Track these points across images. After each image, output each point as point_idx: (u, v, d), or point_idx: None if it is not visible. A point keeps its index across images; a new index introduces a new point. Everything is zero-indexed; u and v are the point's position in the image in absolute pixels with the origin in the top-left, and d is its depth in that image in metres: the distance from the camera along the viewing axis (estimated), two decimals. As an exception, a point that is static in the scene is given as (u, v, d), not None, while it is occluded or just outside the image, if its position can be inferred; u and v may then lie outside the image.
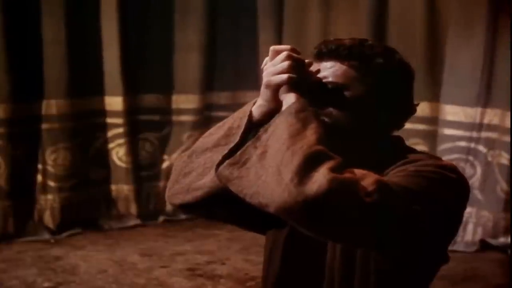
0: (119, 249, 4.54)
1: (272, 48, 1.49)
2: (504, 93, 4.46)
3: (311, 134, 1.37)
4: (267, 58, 1.50)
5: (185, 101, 5.19)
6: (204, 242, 4.68)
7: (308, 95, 1.46)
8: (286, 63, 1.46)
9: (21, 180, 4.76)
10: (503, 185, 4.54)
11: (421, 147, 4.57)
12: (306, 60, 1.51)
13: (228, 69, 5.24)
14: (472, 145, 4.62)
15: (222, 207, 1.57)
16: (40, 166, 4.82)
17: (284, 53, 1.47)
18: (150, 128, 5.20)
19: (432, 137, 4.75)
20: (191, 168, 1.57)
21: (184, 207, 1.61)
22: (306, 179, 1.30)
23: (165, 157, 5.23)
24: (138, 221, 5.08)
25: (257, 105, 1.52)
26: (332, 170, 1.31)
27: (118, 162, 5.07)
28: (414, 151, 1.60)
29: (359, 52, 1.53)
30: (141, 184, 5.14)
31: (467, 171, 4.55)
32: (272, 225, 1.62)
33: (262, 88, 1.50)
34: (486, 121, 4.57)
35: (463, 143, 4.64)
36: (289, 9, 5.08)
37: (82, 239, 4.74)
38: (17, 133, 4.70)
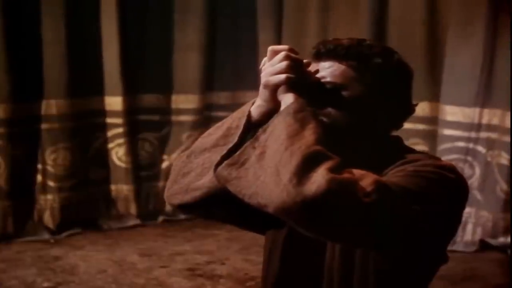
0: (118, 249, 4.54)
1: (270, 48, 1.49)
2: (504, 93, 4.46)
3: (309, 135, 1.37)
4: (265, 59, 1.50)
5: (185, 101, 5.19)
6: (203, 242, 4.68)
7: (306, 95, 1.46)
8: (284, 63, 1.46)
9: (21, 180, 4.76)
10: (502, 185, 4.54)
11: (420, 147, 4.57)
12: (305, 60, 1.51)
13: (228, 69, 5.24)
14: (471, 145, 4.62)
15: (220, 207, 1.57)
16: (40, 166, 4.83)
17: (282, 53, 1.47)
18: (150, 128, 5.20)
19: (432, 137, 4.75)
20: (189, 168, 1.57)
21: (183, 207, 1.61)
22: (304, 179, 1.31)
23: (165, 157, 5.23)
24: (137, 221, 5.08)
25: (256, 105, 1.52)
26: (331, 170, 1.31)
27: (118, 162, 5.07)
28: (413, 151, 1.60)
29: (358, 52, 1.53)
30: (141, 184, 5.14)
31: (466, 171, 4.55)
32: (271, 225, 1.62)
33: (261, 88, 1.50)
34: (485, 121, 4.57)
35: (461, 144, 4.63)
36: (289, 9, 5.08)
37: (82, 239, 4.74)
38: (17, 133, 4.70)
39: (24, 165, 4.76)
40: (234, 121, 1.53)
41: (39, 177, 4.84)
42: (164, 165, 5.21)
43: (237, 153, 1.42)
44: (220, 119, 1.63)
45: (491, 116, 4.56)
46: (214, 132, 1.57)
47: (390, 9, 4.75)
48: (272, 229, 1.65)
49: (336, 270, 1.54)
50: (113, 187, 5.09)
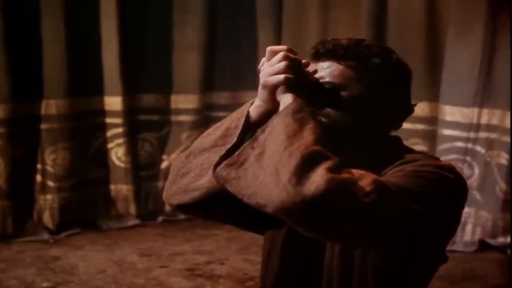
0: (118, 249, 4.54)
1: (269, 48, 1.49)
2: (503, 93, 4.46)
3: (308, 135, 1.37)
4: (264, 59, 1.50)
5: (184, 101, 5.19)
6: (203, 242, 4.68)
7: (305, 95, 1.46)
8: (283, 64, 1.46)
9: (21, 180, 4.76)
10: (502, 185, 4.54)
11: (420, 147, 4.57)
12: (303, 61, 1.51)
13: (227, 69, 5.24)
14: (470, 145, 4.62)
15: (219, 207, 1.57)
16: (39, 166, 4.83)
17: (281, 54, 1.47)
18: (149, 128, 5.20)
19: (431, 137, 4.75)
20: (188, 169, 1.57)
21: (181, 208, 1.61)
22: (303, 179, 1.31)
23: (164, 157, 5.23)
24: (137, 221, 5.08)
25: (255, 106, 1.52)
26: (330, 170, 1.31)
27: (117, 162, 5.07)
28: (412, 151, 1.60)
29: (356, 52, 1.53)
30: (140, 184, 5.14)
31: (465, 171, 4.55)
32: (270, 225, 1.62)
33: (260, 89, 1.50)
34: (484, 121, 4.57)
35: (460, 144, 4.63)
36: (288, 9, 5.08)
37: (81, 239, 4.73)
38: (17, 133, 4.70)
39: (23, 165, 4.76)
40: (233, 121, 1.53)
41: (38, 177, 4.84)
42: (164, 165, 5.21)
43: (236, 153, 1.42)
44: (219, 119, 1.63)
45: (490, 116, 4.56)
46: (213, 133, 1.57)
47: (389, 8, 4.75)
48: (271, 229, 1.65)
49: (335, 270, 1.54)
50: (112, 187, 5.09)
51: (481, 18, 4.49)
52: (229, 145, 1.49)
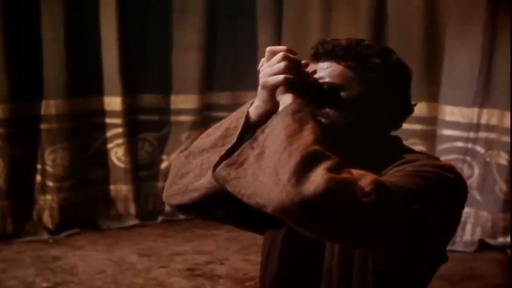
0: (117, 249, 4.54)
1: (268, 49, 1.49)
2: (502, 93, 4.46)
3: (308, 135, 1.37)
4: (263, 59, 1.50)
5: (184, 101, 5.19)
6: (202, 242, 4.68)
7: (305, 95, 1.46)
8: (282, 64, 1.46)
9: (20, 180, 4.76)
10: (501, 185, 4.54)
11: (419, 147, 4.57)
12: (303, 61, 1.51)
13: (227, 69, 5.24)
14: (470, 145, 4.62)
15: (219, 207, 1.57)
16: (39, 166, 4.82)
17: (281, 54, 1.47)
18: (149, 128, 5.19)
19: (430, 137, 4.75)
20: (188, 169, 1.57)
21: (181, 208, 1.61)
22: (303, 179, 1.31)
23: (164, 157, 5.22)
24: (137, 221, 5.07)
25: (254, 106, 1.52)
26: (330, 170, 1.31)
27: (117, 162, 5.07)
28: (412, 151, 1.60)
29: (356, 53, 1.53)
30: (140, 184, 5.14)
31: (465, 171, 4.55)
32: (270, 225, 1.62)
33: (259, 89, 1.50)
34: (484, 121, 4.57)
35: (460, 144, 4.64)
36: (289, 9, 5.08)
37: (81, 239, 4.73)
38: (16, 133, 4.69)
39: (23, 165, 4.76)
40: (233, 121, 1.53)
41: (38, 177, 4.83)
42: (164, 165, 5.20)
43: (236, 153, 1.42)
44: (219, 119, 1.63)
45: (490, 116, 4.56)
46: (213, 133, 1.57)
47: (388, 8, 4.75)
48: (271, 229, 1.65)
49: (335, 270, 1.54)
50: (112, 187, 5.09)
51: (480, 18, 4.49)
52: (229, 146, 1.49)
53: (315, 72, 1.53)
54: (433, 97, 4.69)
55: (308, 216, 1.32)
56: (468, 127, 4.60)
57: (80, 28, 4.81)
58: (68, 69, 4.76)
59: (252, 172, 1.37)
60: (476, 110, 4.57)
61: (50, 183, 4.84)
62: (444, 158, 4.22)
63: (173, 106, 5.20)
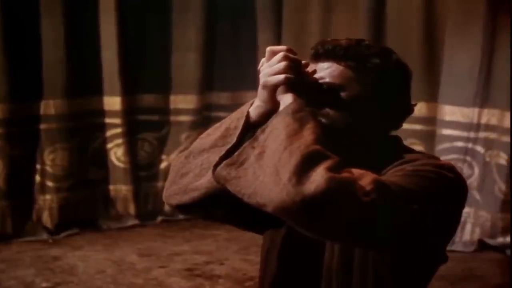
0: (117, 249, 4.54)
1: (268, 48, 1.49)
2: (502, 93, 4.46)
3: (308, 134, 1.37)
4: (263, 59, 1.50)
5: (184, 101, 5.19)
6: (202, 242, 4.68)
7: (305, 95, 1.46)
8: (283, 64, 1.46)
9: (20, 180, 4.76)
10: (501, 185, 4.54)
11: (418, 147, 4.57)
12: (303, 61, 1.51)
13: (227, 69, 5.23)
14: (470, 145, 4.62)
15: (219, 207, 1.57)
16: (38, 166, 4.82)
17: (281, 54, 1.47)
18: (149, 128, 5.19)
19: (430, 137, 4.75)
20: (188, 169, 1.57)
21: (181, 208, 1.61)
22: (304, 179, 1.31)
23: (164, 157, 5.22)
24: (136, 221, 5.07)
25: (255, 106, 1.52)
26: (330, 169, 1.32)
27: (117, 162, 5.07)
28: (412, 151, 1.60)
29: (356, 53, 1.53)
30: (140, 184, 5.14)
31: (465, 171, 4.55)
32: (269, 225, 1.62)
33: (259, 89, 1.50)
34: (484, 121, 4.58)
35: (460, 144, 4.64)
36: (288, 9, 5.08)
37: (80, 239, 4.73)
38: (16, 133, 4.69)
39: (22, 165, 4.76)
40: (233, 121, 1.53)
41: (37, 177, 4.83)
42: (163, 165, 5.21)
43: (236, 153, 1.42)
44: (219, 119, 1.63)
45: (490, 116, 4.56)
46: (213, 133, 1.57)
47: (388, 8, 4.75)
48: (270, 229, 1.65)
49: (335, 270, 1.54)
50: (111, 187, 5.09)
51: (480, 18, 4.49)
52: (229, 146, 1.49)
53: (315, 72, 1.53)
54: (432, 97, 4.70)
55: (308, 216, 1.32)
56: (468, 127, 4.61)
57: (80, 28, 4.81)
58: (67, 69, 4.77)
59: (252, 171, 1.38)
60: (476, 110, 4.57)
61: (49, 183, 4.84)
62: (444, 158, 4.21)
63: (172, 106, 5.20)
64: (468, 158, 4.64)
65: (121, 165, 5.07)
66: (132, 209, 5.10)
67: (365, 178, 1.35)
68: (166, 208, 5.06)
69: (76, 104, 4.87)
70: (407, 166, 1.48)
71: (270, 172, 1.34)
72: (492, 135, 4.57)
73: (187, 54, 5.11)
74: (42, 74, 4.74)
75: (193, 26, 5.08)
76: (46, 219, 4.82)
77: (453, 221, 1.53)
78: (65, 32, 4.73)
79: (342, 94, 1.52)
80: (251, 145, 1.41)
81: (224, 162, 1.42)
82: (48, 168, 4.83)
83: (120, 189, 5.09)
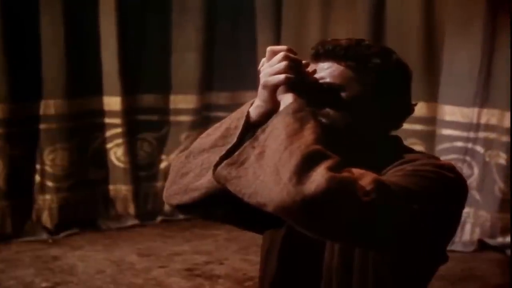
0: (117, 249, 4.54)
1: (269, 48, 1.49)
2: (502, 93, 4.47)
3: (308, 134, 1.37)
4: (264, 59, 1.50)
5: (183, 101, 5.19)
6: (202, 242, 4.68)
7: (305, 95, 1.46)
8: (283, 64, 1.46)
9: (19, 180, 4.76)
10: (500, 185, 4.54)
11: (418, 147, 4.57)
12: (303, 61, 1.51)
13: (227, 69, 5.23)
14: (470, 145, 4.62)
15: (219, 207, 1.57)
16: (38, 166, 4.82)
17: (281, 54, 1.47)
18: (149, 128, 5.19)
19: (429, 137, 4.75)
20: (188, 169, 1.57)
21: (181, 208, 1.61)
22: (304, 178, 1.31)
23: (163, 157, 5.22)
24: (136, 221, 5.07)
25: (255, 106, 1.52)
26: (330, 169, 1.32)
27: (116, 162, 5.07)
28: (412, 151, 1.60)
29: (356, 53, 1.53)
30: (139, 184, 5.14)
31: (465, 171, 4.55)
32: (269, 225, 1.62)
33: (260, 89, 1.50)
34: (483, 121, 4.58)
35: (460, 143, 4.64)
36: (288, 9, 5.08)
37: (80, 239, 4.73)
38: (15, 133, 4.69)
39: (22, 165, 4.76)
40: (233, 121, 1.53)
41: (37, 177, 4.83)
42: (163, 165, 5.20)
43: (237, 152, 1.42)
44: (219, 119, 1.63)
45: (490, 116, 4.56)
46: (213, 133, 1.57)
47: (388, 8, 4.75)
48: (270, 229, 1.65)
49: (335, 270, 1.54)
50: (111, 187, 5.09)
51: (480, 18, 4.49)
52: (229, 146, 1.49)
53: (315, 72, 1.53)
54: (430, 97, 4.70)
55: (308, 215, 1.32)
56: (467, 127, 4.61)
57: (80, 28, 4.81)
58: (67, 69, 4.76)
59: (253, 171, 1.38)
60: (476, 110, 4.57)
61: (49, 183, 4.84)
62: (443, 158, 4.21)
63: (172, 106, 5.20)
64: (468, 158, 4.64)
65: (121, 165, 5.07)
66: (132, 209, 5.09)
67: (365, 178, 1.35)
68: (166, 208, 5.06)
69: (76, 104, 4.87)
70: (407, 166, 1.48)
71: (271, 172, 1.34)
72: (492, 135, 4.57)
73: (187, 54, 5.11)
74: (42, 74, 4.74)
75: (193, 26, 5.08)
76: (45, 219, 4.82)
77: (453, 221, 1.53)
78: (65, 32, 4.73)
79: (342, 94, 1.52)
80: (252, 145, 1.41)
81: (225, 162, 1.43)
82: (48, 168, 4.83)
83: (120, 189, 5.09)
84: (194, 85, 5.18)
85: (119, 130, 5.02)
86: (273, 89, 1.47)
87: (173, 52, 5.13)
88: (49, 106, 4.79)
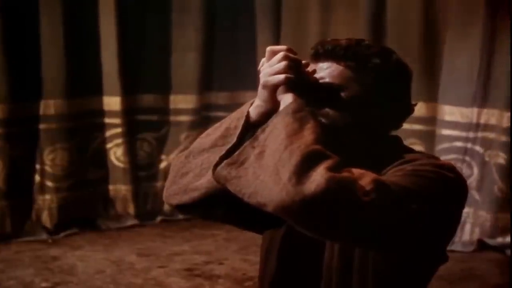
0: (116, 249, 4.54)
1: (269, 48, 1.49)
2: (502, 93, 4.47)
3: (308, 134, 1.37)
4: (264, 59, 1.50)
5: (183, 101, 5.19)
6: (202, 242, 4.68)
7: (305, 95, 1.46)
8: (283, 64, 1.46)
9: (19, 180, 4.76)
10: (500, 185, 4.54)
11: (418, 147, 4.57)
12: (303, 61, 1.51)
13: (226, 69, 5.23)
14: (469, 145, 4.62)
15: (219, 207, 1.57)
16: (38, 166, 4.82)
17: (281, 54, 1.47)
18: (148, 128, 5.19)
19: (429, 137, 4.75)
20: (188, 169, 1.57)
21: (181, 208, 1.61)
22: (304, 178, 1.31)
23: (163, 157, 5.22)
24: (135, 221, 5.07)
25: (255, 106, 1.52)
26: (330, 169, 1.32)
27: (116, 162, 5.07)
28: (412, 150, 1.60)
29: (356, 53, 1.53)
30: (139, 184, 5.14)
31: (464, 171, 4.55)
32: (269, 225, 1.62)
33: (260, 89, 1.50)
34: (483, 121, 4.58)
35: (459, 143, 4.64)
36: (287, 9, 5.08)
37: (80, 239, 4.73)
38: (15, 133, 4.69)
39: (22, 165, 4.76)
40: (233, 121, 1.54)
41: (37, 177, 4.83)
42: (162, 165, 5.20)
43: (237, 152, 1.42)
44: (218, 119, 1.63)
45: (489, 116, 4.56)
46: (213, 133, 1.57)
47: (388, 9, 4.75)
48: (270, 228, 1.65)
49: (334, 270, 1.54)
50: (111, 187, 5.09)
51: (480, 19, 4.49)
52: (229, 145, 1.49)
53: (315, 72, 1.53)
54: (430, 97, 4.70)
55: (308, 215, 1.32)
56: (467, 127, 4.61)
57: (80, 28, 4.81)
58: (67, 69, 4.77)
59: (252, 171, 1.38)
60: (475, 110, 4.58)
61: (49, 183, 4.84)
62: (443, 158, 4.21)
63: (172, 106, 5.20)
64: (467, 158, 4.64)
65: (120, 165, 5.07)
66: (131, 209, 5.09)
67: (365, 178, 1.35)
68: (166, 208, 5.06)
69: (75, 104, 4.87)
70: (407, 166, 1.48)
71: (270, 172, 1.34)
72: (491, 135, 4.57)
73: (187, 54, 5.11)
74: (41, 74, 4.74)
75: (193, 26, 5.08)
76: (45, 219, 4.82)
77: (453, 221, 1.53)
78: (65, 32, 4.73)
79: (342, 94, 1.52)
80: (251, 145, 1.41)
81: (225, 161, 1.43)
82: (48, 168, 4.83)
83: (120, 189, 5.09)
84: (194, 85, 5.18)
85: (119, 130, 5.02)
86: (273, 89, 1.47)
87: (173, 52, 5.12)
88: (49, 106, 4.79)
